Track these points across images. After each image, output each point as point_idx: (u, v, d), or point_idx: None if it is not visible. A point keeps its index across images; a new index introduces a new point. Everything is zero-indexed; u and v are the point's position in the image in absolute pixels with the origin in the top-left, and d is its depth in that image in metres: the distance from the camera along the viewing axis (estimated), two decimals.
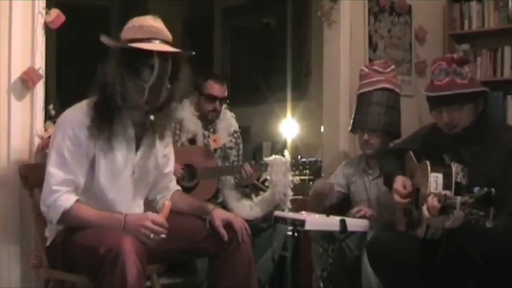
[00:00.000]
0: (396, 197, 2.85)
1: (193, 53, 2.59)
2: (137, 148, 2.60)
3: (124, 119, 2.53)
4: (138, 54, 2.42)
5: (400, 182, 2.86)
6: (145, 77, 2.44)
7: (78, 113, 2.49)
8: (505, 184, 2.58)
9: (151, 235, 2.38)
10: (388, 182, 2.99)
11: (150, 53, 2.43)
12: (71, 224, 2.47)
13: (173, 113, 2.65)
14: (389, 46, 4.41)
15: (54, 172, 2.45)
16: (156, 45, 2.45)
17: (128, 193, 2.60)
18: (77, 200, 2.45)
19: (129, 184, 2.60)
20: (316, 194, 3.45)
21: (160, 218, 2.43)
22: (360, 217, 3.21)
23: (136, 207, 2.66)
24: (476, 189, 2.35)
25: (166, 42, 2.49)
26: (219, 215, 2.66)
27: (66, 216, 2.43)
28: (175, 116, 2.70)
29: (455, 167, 2.67)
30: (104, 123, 2.46)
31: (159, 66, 2.45)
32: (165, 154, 2.74)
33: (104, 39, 2.49)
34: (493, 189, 2.30)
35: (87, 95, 2.53)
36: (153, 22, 2.50)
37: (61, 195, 2.43)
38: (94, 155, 2.49)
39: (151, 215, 2.45)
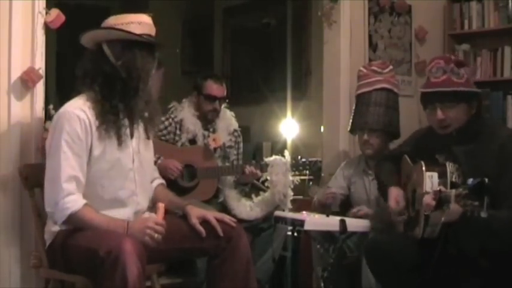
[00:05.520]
0: (393, 217, 2.86)
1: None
2: (131, 136, 2.61)
3: (125, 111, 2.56)
4: (146, 48, 2.56)
5: (393, 200, 2.85)
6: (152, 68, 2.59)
7: (74, 108, 2.49)
8: (502, 179, 2.59)
9: (156, 235, 2.40)
10: (382, 191, 3.00)
11: (153, 47, 2.57)
12: (75, 226, 2.47)
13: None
14: (389, 46, 4.41)
15: (58, 168, 2.43)
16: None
17: (130, 184, 2.59)
18: (85, 204, 2.45)
19: (130, 173, 2.59)
20: (319, 205, 3.45)
21: (159, 219, 2.47)
22: (360, 217, 3.21)
23: (141, 201, 2.64)
24: (470, 180, 2.37)
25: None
26: (193, 212, 2.65)
27: (72, 218, 2.44)
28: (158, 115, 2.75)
29: (450, 167, 2.67)
30: (112, 113, 2.51)
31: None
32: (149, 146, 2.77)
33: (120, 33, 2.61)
34: (486, 179, 2.31)
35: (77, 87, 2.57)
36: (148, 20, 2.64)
37: (68, 195, 2.43)
38: (91, 147, 2.49)
39: (151, 217, 2.51)
